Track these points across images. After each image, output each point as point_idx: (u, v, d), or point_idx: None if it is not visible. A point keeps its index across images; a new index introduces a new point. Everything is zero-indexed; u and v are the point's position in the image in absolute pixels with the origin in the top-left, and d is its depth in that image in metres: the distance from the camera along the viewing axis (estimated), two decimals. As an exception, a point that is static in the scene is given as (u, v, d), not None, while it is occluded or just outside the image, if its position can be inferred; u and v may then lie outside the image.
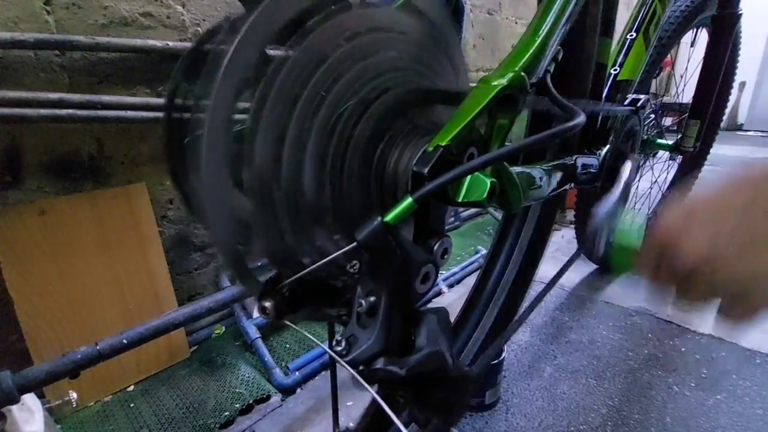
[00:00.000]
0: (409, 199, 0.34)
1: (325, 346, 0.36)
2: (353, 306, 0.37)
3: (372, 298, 0.36)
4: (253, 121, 0.30)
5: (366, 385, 0.35)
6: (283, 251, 0.35)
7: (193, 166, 0.29)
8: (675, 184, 1.71)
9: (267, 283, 0.36)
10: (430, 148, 0.37)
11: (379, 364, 0.36)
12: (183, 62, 0.40)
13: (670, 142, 1.24)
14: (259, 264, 0.36)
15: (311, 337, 0.36)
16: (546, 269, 0.92)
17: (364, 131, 0.37)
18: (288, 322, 0.38)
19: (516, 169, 0.49)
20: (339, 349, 0.35)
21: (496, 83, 0.41)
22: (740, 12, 1.17)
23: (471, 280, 1.51)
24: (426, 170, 0.36)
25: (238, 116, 0.30)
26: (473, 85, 0.44)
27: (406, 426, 0.54)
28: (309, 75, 0.32)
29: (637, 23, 0.87)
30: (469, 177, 0.37)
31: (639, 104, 0.83)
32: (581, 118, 0.40)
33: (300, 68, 0.32)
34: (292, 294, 0.37)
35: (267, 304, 0.36)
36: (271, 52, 0.32)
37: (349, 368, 0.34)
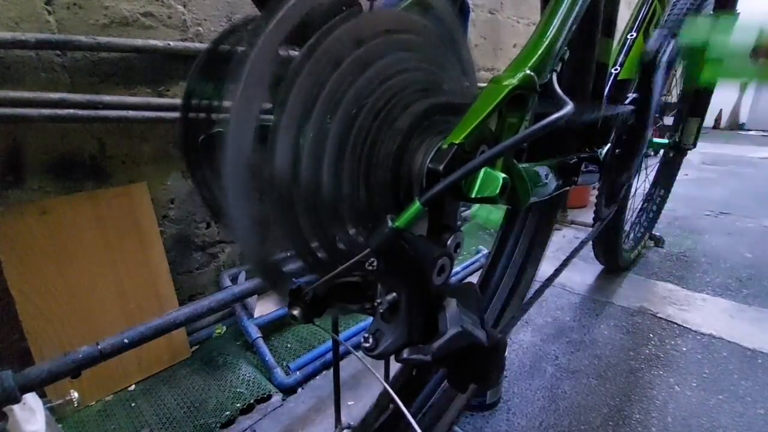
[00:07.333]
0: (417, 204, 0.35)
1: (346, 343, 0.38)
2: (376, 302, 0.38)
3: (393, 295, 0.38)
4: (275, 121, 0.31)
5: (380, 378, 0.36)
6: (303, 248, 0.36)
7: (218, 171, 0.30)
8: (660, 178, 1.71)
9: (291, 293, 0.38)
10: (445, 146, 0.39)
11: (406, 354, 0.38)
12: (199, 63, 0.41)
13: (668, 141, 1.25)
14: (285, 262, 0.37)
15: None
16: (547, 269, 0.92)
17: (380, 129, 0.37)
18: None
19: (523, 167, 0.50)
20: (367, 345, 0.38)
21: (506, 83, 0.42)
22: (738, 12, 1.17)
23: (472, 280, 1.51)
24: (441, 167, 0.37)
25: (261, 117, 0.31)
26: (484, 84, 0.44)
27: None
28: (327, 76, 0.33)
29: (637, 23, 0.87)
30: (482, 173, 0.39)
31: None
32: (569, 108, 0.40)
33: (318, 70, 0.33)
34: (317, 297, 0.39)
35: (295, 312, 0.38)
36: (290, 54, 0.33)
37: (364, 362, 0.37)
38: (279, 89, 0.31)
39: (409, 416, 0.36)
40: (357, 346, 0.40)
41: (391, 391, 0.38)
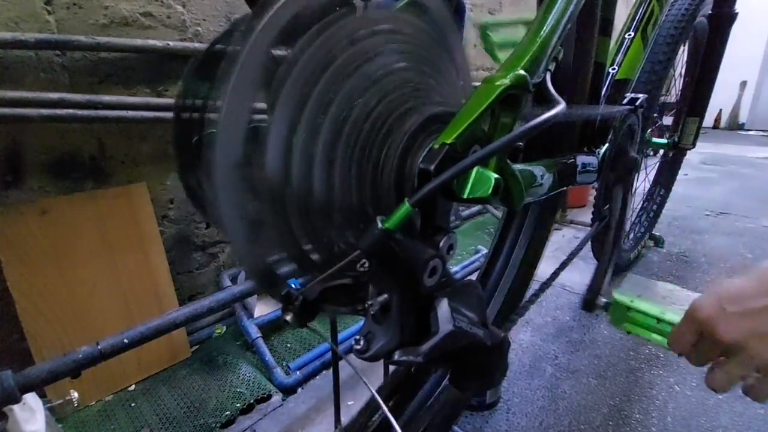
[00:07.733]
0: (407, 205, 0.35)
1: (338, 347, 0.38)
2: (367, 304, 0.38)
3: (384, 296, 0.37)
4: (267, 121, 0.31)
5: (368, 385, 0.36)
6: (295, 249, 0.36)
7: (207, 171, 0.30)
8: (660, 177, 1.72)
9: (284, 298, 0.38)
10: (436, 146, 0.39)
11: (397, 355, 0.37)
12: (194, 63, 0.41)
13: (667, 141, 1.25)
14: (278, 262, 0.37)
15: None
16: (546, 268, 0.92)
17: (371, 130, 0.37)
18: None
19: (517, 167, 0.49)
20: (358, 347, 0.37)
21: (499, 83, 0.42)
22: (736, 12, 1.17)
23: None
24: (432, 167, 0.37)
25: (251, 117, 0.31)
26: (477, 84, 0.44)
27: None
28: (318, 77, 0.33)
29: (635, 22, 0.87)
30: (474, 174, 0.38)
31: (637, 103, 0.83)
32: (561, 107, 0.40)
33: (309, 70, 0.32)
34: (308, 301, 0.38)
35: (287, 317, 0.38)
36: (281, 54, 0.32)
37: (355, 368, 0.35)
38: (270, 88, 0.31)
39: (394, 422, 0.36)
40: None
41: (378, 397, 0.38)
